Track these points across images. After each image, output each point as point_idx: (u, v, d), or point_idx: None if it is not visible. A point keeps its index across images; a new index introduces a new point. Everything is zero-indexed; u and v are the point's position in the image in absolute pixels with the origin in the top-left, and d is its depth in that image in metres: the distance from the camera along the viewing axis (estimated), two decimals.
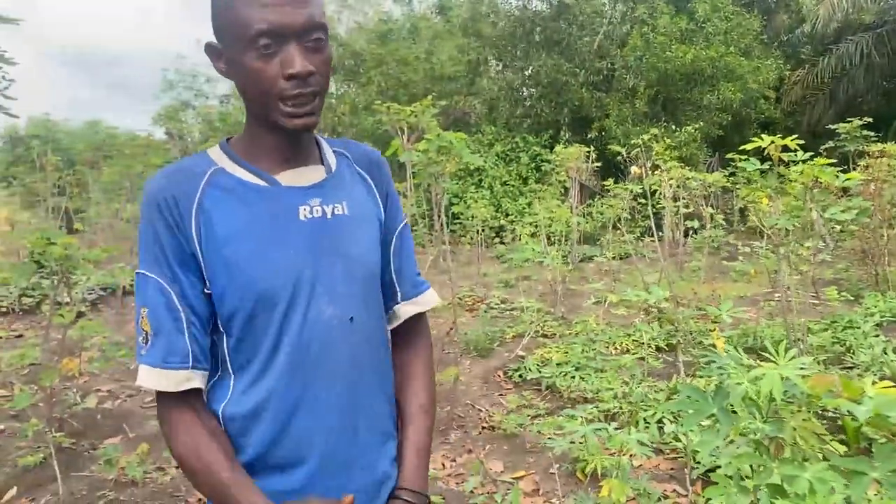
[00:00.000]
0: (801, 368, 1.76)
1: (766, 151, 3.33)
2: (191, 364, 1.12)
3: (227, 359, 1.17)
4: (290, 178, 1.18)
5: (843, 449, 2.70)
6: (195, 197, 1.12)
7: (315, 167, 1.22)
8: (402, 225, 1.37)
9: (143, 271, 1.12)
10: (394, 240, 1.35)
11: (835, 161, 3.61)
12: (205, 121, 24.89)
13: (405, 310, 1.37)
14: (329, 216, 1.19)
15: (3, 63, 4.56)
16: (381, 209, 1.32)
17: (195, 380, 1.13)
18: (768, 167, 3.47)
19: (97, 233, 13.08)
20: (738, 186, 7.77)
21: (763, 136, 3.32)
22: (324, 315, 1.16)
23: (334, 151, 1.29)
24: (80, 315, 5.87)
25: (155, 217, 1.10)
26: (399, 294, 1.37)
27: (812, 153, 3.41)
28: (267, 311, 1.12)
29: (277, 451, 1.16)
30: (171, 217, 1.10)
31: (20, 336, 6.79)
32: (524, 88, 17.25)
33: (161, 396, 1.13)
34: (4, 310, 7.66)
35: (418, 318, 1.40)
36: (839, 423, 3.49)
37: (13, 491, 3.52)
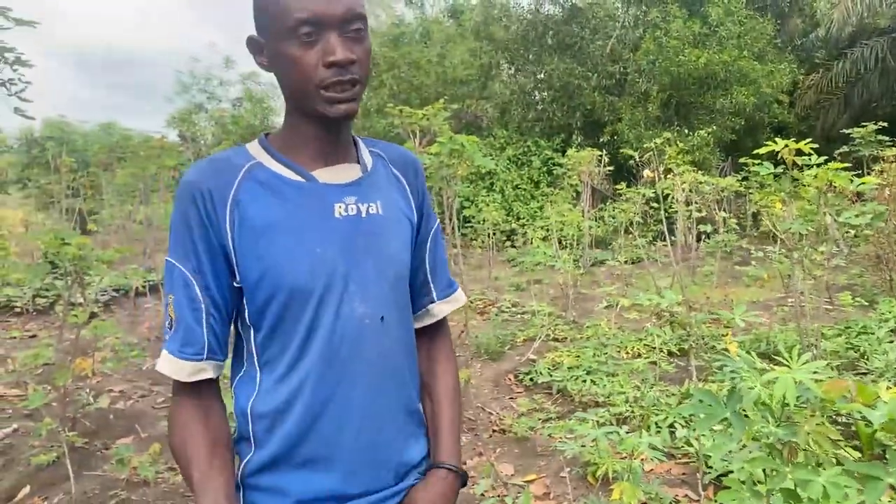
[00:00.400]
0: (815, 373, 1.75)
1: (779, 155, 3.31)
2: (205, 355, 1.15)
3: (255, 353, 1.18)
4: (327, 175, 1.19)
5: (857, 455, 2.68)
6: (231, 190, 1.13)
7: (351, 165, 1.24)
8: (435, 226, 1.40)
9: (171, 259, 1.14)
10: (428, 241, 1.38)
11: (849, 165, 3.59)
12: (217, 124, 25.00)
13: (440, 308, 1.42)
14: (364, 215, 1.20)
15: (20, 65, 4.60)
16: (414, 211, 1.33)
17: (209, 371, 1.16)
18: (782, 171, 3.45)
19: (110, 234, 13.17)
20: (751, 191, 7.74)
21: (776, 139, 3.30)
22: (356, 313, 1.17)
23: (371, 151, 1.31)
24: (92, 316, 5.90)
25: (188, 207, 1.12)
26: (434, 293, 1.40)
27: (826, 157, 3.39)
28: (299, 306, 1.13)
29: (303, 449, 1.16)
30: (205, 209, 1.11)
31: (34, 336, 6.84)
32: (536, 92, 17.22)
33: (175, 383, 1.16)
34: (19, 310, 7.72)
35: (445, 318, 1.46)
36: (853, 428, 3.46)
37: (26, 489, 3.55)
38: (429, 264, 1.39)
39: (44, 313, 7.76)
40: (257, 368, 1.18)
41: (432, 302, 1.40)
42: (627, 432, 2.38)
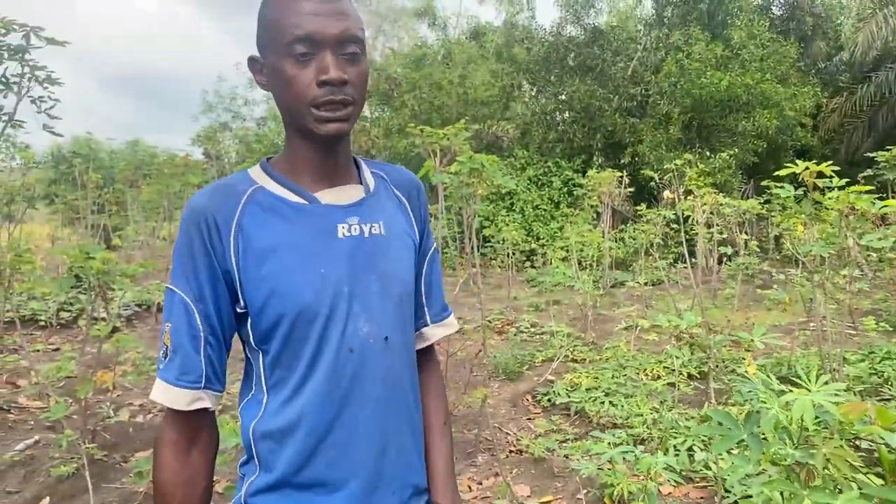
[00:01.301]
0: (834, 395, 1.73)
1: (800, 178, 3.30)
2: (203, 385, 1.15)
3: (263, 377, 1.18)
4: (330, 196, 1.20)
5: (879, 482, 2.63)
6: (234, 216, 1.14)
7: (354, 186, 1.24)
8: (432, 250, 1.40)
9: (171, 286, 1.15)
10: (425, 263, 1.38)
11: (873, 189, 3.56)
12: (241, 142, 25.33)
13: (433, 332, 1.40)
14: (366, 235, 1.20)
15: (50, 83, 4.71)
16: (416, 232, 1.34)
17: (205, 400, 1.16)
18: (803, 193, 3.43)
19: (134, 250, 13.33)
20: (773, 214, 7.68)
21: (798, 162, 3.29)
22: (360, 333, 1.16)
23: (373, 173, 1.31)
24: (115, 330, 5.97)
25: (193, 234, 1.13)
26: (428, 317, 1.40)
27: (848, 180, 3.37)
28: (305, 327, 1.13)
29: (308, 471, 1.16)
30: (209, 236, 1.12)
31: (57, 349, 6.92)
32: (557, 113, 17.27)
33: (169, 412, 1.16)
34: (43, 324, 7.82)
35: (433, 344, 1.45)
36: (876, 455, 3.41)
37: (46, 500, 3.58)
38: (424, 286, 1.38)
39: (67, 327, 7.86)
40: (265, 391, 1.18)
41: (425, 325, 1.40)
42: (644, 453, 2.37)
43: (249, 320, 1.16)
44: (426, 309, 1.39)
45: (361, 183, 1.26)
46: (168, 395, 1.14)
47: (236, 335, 1.22)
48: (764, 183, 4.17)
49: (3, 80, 4.53)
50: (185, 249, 1.14)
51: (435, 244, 1.43)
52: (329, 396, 1.15)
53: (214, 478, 1.21)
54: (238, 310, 1.16)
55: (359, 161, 1.30)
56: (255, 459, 1.19)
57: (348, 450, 1.17)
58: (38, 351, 6.76)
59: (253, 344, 1.17)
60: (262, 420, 1.17)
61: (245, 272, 1.13)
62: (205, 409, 1.16)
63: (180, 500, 1.14)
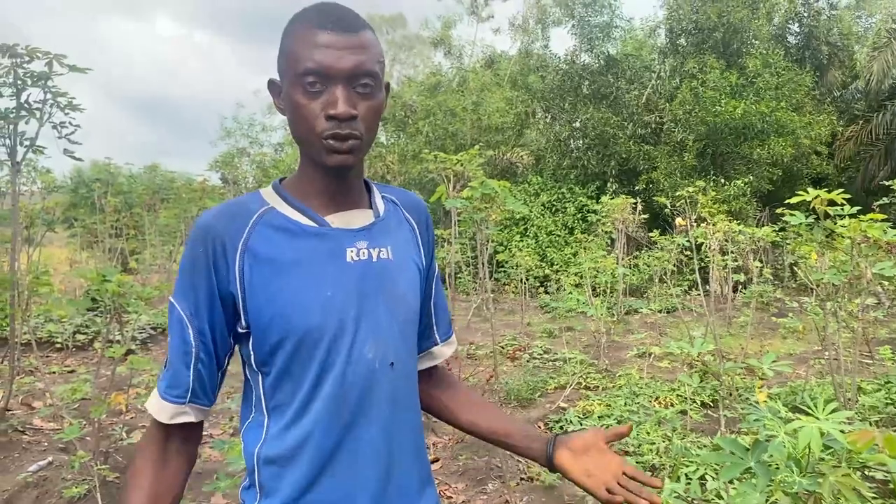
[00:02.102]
0: (842, 423, 1.72)
1: (811, 205, 3.30)
2: (188, 399, 1.16)
3: (263, 399, 1.18)
4: (339, 220, 1.20)
5: None
6: (242, 236, 1.14)
7: (364, 211, 1.25)
8: (437, 272, 1.44)
9: (172, 300, 1.17)
10: (433, 285, 1.41)
11: (887, 217, 3.55)
12: (259, 167, 25.58)
13: (443, 351, 1.44)
14: (374, 259, 1.20)
15: (71, 109, 4.81)
16: (423, 257, 1.35)
17: (189, 415, 1.17)
18: (814, 221, 3.43)
19: (151, 273, 13.45)
20: (787, 242, 7.66)
21: (810, 190, 3.29)
22: (366, 356, 1.16)
23: (384, 197, 1.32)
24: (129, 353, 6.02)
25: (198, 252, 1.14)
26: (437, 336, 1.43)
27: (859, 208, 3.37)
28: (309, 349, 1.13)
29: (312, 496, 1.15)
30: (213, 254, 1.14)
31: (72, 371, 6.97)
32: (571, 140, 17.34)
33: (154, 422, 1.18)
34: (59, 346, 7.89)
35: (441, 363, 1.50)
36: (891, 486, 3.36)
37: None
38: (434, 308, 1.42)
39: (83, 349, 7.92)
40: (265, 414, 1.18)
41: (435, 344, 1.43)
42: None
43: (252, 340, 1.16)
44: (435, 329, 1.43)
45: (371, 207, 1.27)
46: (155, 406, 1.17)
47: (237, 355, 1.24)
48: (779, 211, 4.16)
49: (25, 106, 4.64)
50: (188, 266, 1.15)
51: (438, 268, 1.47)
52: (334, 420, 1.15)
53: (225, 501, 1.22)
54: (240, 329, 1.17)
55: (371, 185, 1.32)
56: (256, 486, 1.19)
57: (353, 473, 1.16)
58: (53, 373, 6.81)
59: (254, 365, 1.18)
60: (265, 444, 1.18)
61: (250, 292, 1.14)
62: (188, 423, 1.19)
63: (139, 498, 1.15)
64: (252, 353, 1.17)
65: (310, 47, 1.10)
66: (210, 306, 1.15)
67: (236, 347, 1.23)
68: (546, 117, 18.25)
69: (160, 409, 1.16)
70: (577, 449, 1.26)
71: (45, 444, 4.74)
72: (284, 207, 1.20)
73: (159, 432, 1.18)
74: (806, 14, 17.28)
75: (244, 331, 1.17)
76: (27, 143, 4.76)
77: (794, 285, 11.53)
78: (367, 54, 1.13)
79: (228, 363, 1.23)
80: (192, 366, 1.16)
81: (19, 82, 4.56)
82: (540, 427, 5.30)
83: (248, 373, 1.22)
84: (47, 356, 7.57)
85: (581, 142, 16.95)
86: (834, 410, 1.76)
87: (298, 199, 1.21)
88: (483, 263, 5.40)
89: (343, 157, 1.13)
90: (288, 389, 1.16)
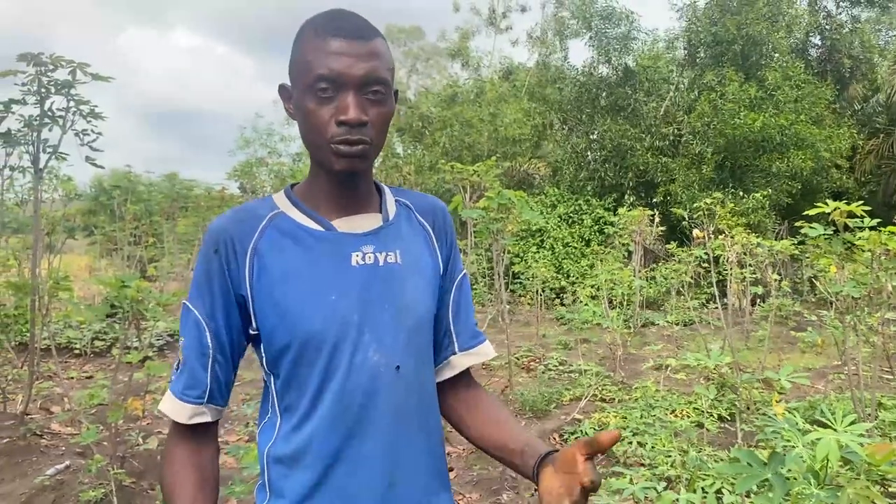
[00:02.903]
0: (861, 435, 1.71)
1: (830, 218, 3.28)
2: (206, 400, 1.18)
3: (276, 399, 1.20)
4: (346, 224, 1.21)
5: None
6: (252, 239, 1.17)
7: (372, 215, 1.25)
8: (461, 275, 1.38)
9: (187, 303, 1.19)
10: (453, 290, 1.36)
11: None
12: (277, 176, 25.75)
13: (462, 361, 1.36)
14: (381, 264, 1.20)
15: (94, 117, 4.88)
16: (440, 260, 1.33)
17: (207, 415, 1.19)
18: (832, 233, 3.40)
19: (169, 281, 13.55)
20: (806, 255, 7.59)
21: (828, 202, 3.27)
22: (370, 362, 1.16)
23: (397, 201, 1.31)
24: (146, 359, 6.06)
25: (211, 255, 1.16)
26: (456, 345, 1.36)
27: (879, 220, 3.33)
28: (313, 353, 1.14)
29: (318, 499, 1.16)
30: (226, 257, 1.16)
31: (90, 377, 7.03)
32: (589, 152, 17.32)
33: (173, 424, 1.20)
34: (78, 352, 7.96)
35: (470, 369, 1.40)
36: None
37: None
38: (451, 313, 1.36)
39: (101, 355, 7.99)
40: (278, 414, 1.20)
41: (453, 353, 1.36)
42: (667, 491, 2.34)
43: (262, 344, 1.19)
44: (454, 336, 1.36)
45: (381, 212, 1.27)
46: (173, 407, 1.18)
47: (251, 358, 1.25)
48: (798, 224, 4.13)
49: (49, 113, 4.71)
50: (203, 269, 1.18)
51: (465, 270, 1.41)
52: (336, 424, 1.15)
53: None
54: (251, 331, 1.19)
55: (382, 189, 1.31)
56: (266, 485, 1.21)
57: (357, 479, 1.16)
58: (72, 378, 6.88)
59: (265, 366, 1.20)
60: (274, 444, 1.19)
61: (258, 295, 1.16)
62: (206, 423, 1.20)
63: (191, 494, 1.16)
64: (262, 355, 1.20)
65: (322, 54, 1.11)
66: (225, 308, 1.17)
67: (249, 348, 1.25)
68: (563, 129, 18.24)
69: (179, 410, 1.18)
70: (557, 466, 1.09)
71: (63, 448, 4.78)
72: (294, 212, 1.22)
73: (180, 432, 1.20)
74: (828, 27, 17.18)
75: (255, 333, 1.19)
76: (50, 150, 4.83)
77: (813, 299, 11.42)
78: (379, 61, 1.14)
79: (239, 364, 1.25)
80: (209, 367, 1.18)
81: (43, 90, 4.63)
82: (555, 439, 5.27)
83: (264, 374, 1.24)
84: (66, 361, 7.65)
85: (598, 153, 16.92)
86: (853, 423, 1.75)
87: (308, 204, 1.23)
88: (499, 274, 5.40)
89: (352, 161, 1.14)
90: (296, 392, 1.17)
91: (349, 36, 1.12)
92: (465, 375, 1.39)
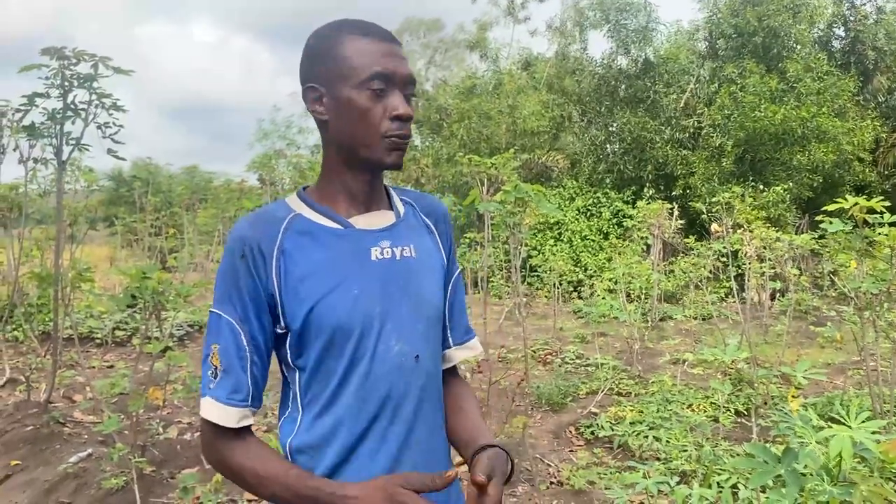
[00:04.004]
0: (875, 432, 1.71)
1: (849, 213, 3.25)
2: (250, 402, 1.21)
3: (299, 396, 1.24)
4: (363, 221, 1.27)
5: None
6: (276, 242, 1.20)
7: (385, 212, 1.31)
8: (457, 273, 1.46)
9: (216, 311, 1.21)
10: (450, 287, 1.44)
11: None
12: (295, 168, 25.85)
13: (457, 354, 1.45)
14: (398, 258, 1.27)
15: (115, 110, 4.94)
16: (444, 256, 1.41)
17: (250, 417, 1.22)
18: (852, 228, 3.38)
19: (189, 272, 13.69)
20: (827, 249, 7.52)
21: (848, 197, 3.25)
22: (392, 351, 1.22)
23: (402, 200, 1.39)
24: (167, 349, 6.14)
25: (237, 261, 1.20)
26: (451, 339, 1.45)
27: None
28: (339, 345, 1.19)
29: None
30: (253, 262, 1.19)
31: (111, 367, 7.14)
32: (608, 144, 17.23)
33: (218, 429, 1.20)
34: (99, 341, 8.08)
35: (457, 365, 1.49)
36: None
37: None
38: (448, 310, 1.44)
39: (122, 345, 8.11)
40: (300, 409, 1.24)
41: (448, 347, 1.44)
42: (681, 485, 2.35)
43: (288, 340, 1.23)
44: (449, 331, 1.44)
45: (392, 209, 1.34)
46: (220, 413, 1.19)
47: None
48: (818, 218, 4.10)
49: (72, 106, 4.77)
50: (230, 275, 1.21)
51: (460, 268, 1.49)
52: (360, 411, 1.21)
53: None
54: (278, 330, 1.23)
55: (389, 189, 1.38)
56: None
57: (379, 463, 1.21)
58: (93, 367, 6.98)
59: (290, 363, 1.24)
60: (296, 436, 1.24)
61: (286, 294, 1.20)
62: (249, 427, 1.23)
63: (271, 470, 1.17)
64: (288, 351, 1.23)
65: (371, 55, 1.18)
66: (257, 310, 1.20)
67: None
68: (582, 121, 18.14)
69: (227, 415, 1.19)
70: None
71: (85, 436, 4.86)
72: (310, 213, 1.26)
73: (227, 438, 1.20)
74: (852, 18, 16.92)
75: (282, 332, 1.23)
76: (73, 142, 4.90)
77: (833, 294, 11.31)
78: (409, 65, 1.24)
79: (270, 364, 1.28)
80: (248, 370, 1.21)
81: (66, 84, 4.69)
82: (571, 433, 5.29)
83: (285, 371, 1.28)
84: (88, 351, 7.76)
85: (617, 146, 16.82)
86: (867, 420, 1.75)
87: (323, 204, 1.27)
88: (516, 267, 5.41)
89: (400, 154, 1.23)
90: (320, 384, 1.22)
91: (388, 39, 1.21)
92: (454, 367, 1.48)
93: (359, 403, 1.20)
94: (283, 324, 1.21)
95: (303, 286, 1.19)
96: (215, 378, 1.21)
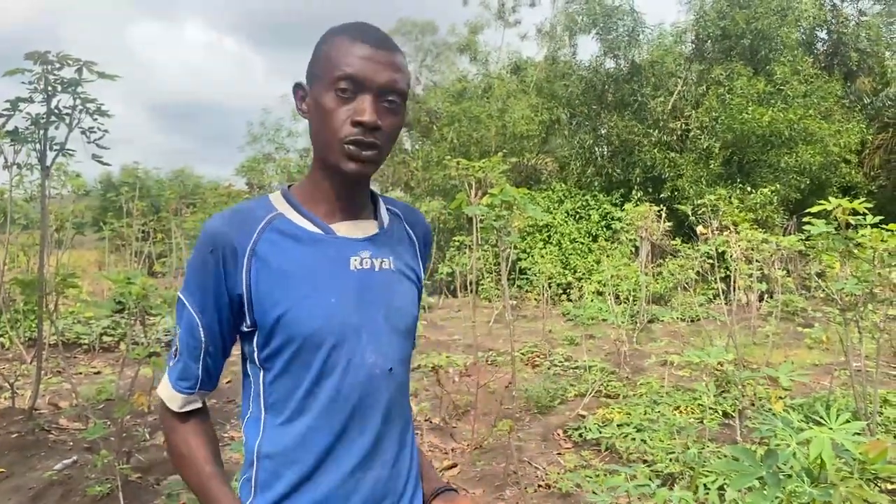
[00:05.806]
0: (855, 434, 1.71)
1: (833, 215, 3.27)
2: (197, 388, 1.26)
3: (262, 395, 1.23)
4: (345, 229, 1.25)
5: None
6: (250, 241, 1.19)
7: (369, 221, 1.30)
8: (421, 290, 1.48)
9: (181, 296, 1.24)
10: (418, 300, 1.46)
11: None
12: (283, 172, 25.76)
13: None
14: (377, 269, 1.26)
15: (100, 115, 4.92)
16: (421, 270, 1.42)
17: (198, 402, 1.29)
18: (835, 229, 3.40)
19: (176, 277, 13.60)
20: (814, 251, 7.56)
21: (831, 199, 3.27)
22: (367, 363, 1.22)
23: (388, 210, 1.37)
24: (152, 355, 6.10)
25: (206, 254, 1.19)
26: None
27: (881, 217, 3.33)
28: (310, 352, 1.18)
29: (304, 496, 1.20)
30: (223, 258, 1.18)
31: (98, 373, 7.09)
32: (596, 148, 17.27)
33: (166, 406, 1.28)
34: (86, 347, 8.03)
35: None
36: None
37: None
38: None
39: (109, 351, 8.05)
40: (262, 409, 1.23)
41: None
42: (663, 488, 2.35)
43: (256, 339, 1.21)
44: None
45: (377, 218, 1.32)
46: (168, 394, 1.27)
47: (237, 349, 1.30)
48: (805, 220, 4.12)
49: (55, 111, 4.74)
50: (198, 267, 1.21)
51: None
52: (331, 421, 1.20)
53: None
54: (244, 328, 1.22)
55: (376, 196, 1.36)
56: (252, 481, 1.24)
57: (349, 474, 1.21)
58: (80, 373, 6.93)
59: (256, 361, 1.23)
60: (263, 440, 1.23)
61: (257, 294, 1.18)
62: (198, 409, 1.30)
63: (201, 458, 1.25)
64: (255, 350, 1.22)
65: (348, 55, 1.15)
66: (217, 306, 1.21)
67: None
68: (571, 124, 18.18)
69: (173, 398, 1.26)
70: None
71: (71, 443, 4.83)
72: (292, 214, 1.24)
73: (174, 417, 1.28)
74: (834, 21, 17.05)
75: (249, 329, 1.22)
76: (57, 147, 4.87)
77: (821, 295, 11.37)
78: (399, 74, 1.19)
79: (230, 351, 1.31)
80: (200, 359, 1.24)
81: (49, 88, 4.66)
82: (559, 435, 5.29)
83: (248, 368, 1.27)
84: (75, 357, 7.71)
85: (605, 149, 16.86)
86: (847, 421, 1.75)
87: (306, 206, 1.26)
88: (504, 270, 5.41)
89: (361, 165, 1.18)
90: (286, 388, 1.20)
91: (375, 44, 1.17)
92: None
93: (330, 414, 1.19)
94: (249, 322, 1.20)
95: (277, 289, 1.18)
96: (174, 357, 1.27)
